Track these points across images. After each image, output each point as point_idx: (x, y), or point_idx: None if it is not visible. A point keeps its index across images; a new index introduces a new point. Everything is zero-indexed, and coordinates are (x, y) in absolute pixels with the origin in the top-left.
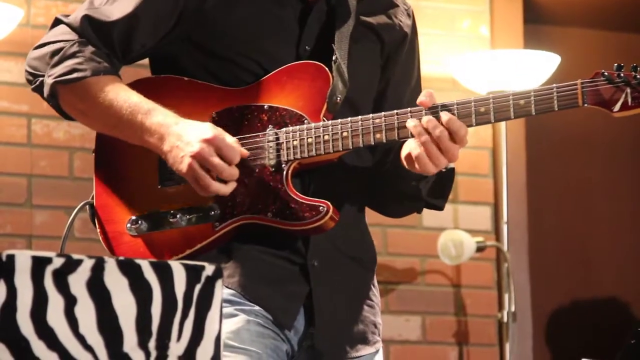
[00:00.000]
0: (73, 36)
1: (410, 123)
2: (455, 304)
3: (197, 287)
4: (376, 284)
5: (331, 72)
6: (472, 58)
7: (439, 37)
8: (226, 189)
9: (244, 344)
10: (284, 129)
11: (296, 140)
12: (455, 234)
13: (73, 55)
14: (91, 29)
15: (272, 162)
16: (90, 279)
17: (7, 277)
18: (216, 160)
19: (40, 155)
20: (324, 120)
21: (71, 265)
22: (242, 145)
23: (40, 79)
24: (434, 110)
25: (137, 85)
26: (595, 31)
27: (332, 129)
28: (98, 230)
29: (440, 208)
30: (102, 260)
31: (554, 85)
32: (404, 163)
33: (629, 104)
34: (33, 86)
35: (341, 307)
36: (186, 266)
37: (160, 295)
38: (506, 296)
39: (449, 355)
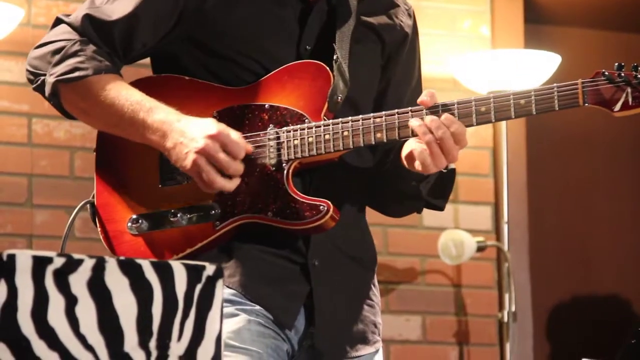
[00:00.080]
0: (74, 35)
1: (415, 123)
2: (456, 303)
3: (198, 287)
4: (376, 283)
5: (332, 71)
6: (473, 58)
7: (439, 37)
8: (231, 185)
9: (245, 343)
10: (284, 128)
11: (297, 139)
12: (455, 233)
13: (75, 54)
14: (92, 28)
15: (273, 161)
16: (91, 279)
17: (7, 276)
18: (222, 155)
19: (40, 154)
20: (324, 120)
21: (72, 265)
22: None
23: (42, 78)
24: (435, 110)
25: (138, 85)
26: (596, 31)
27: (332, 128)
28: (99, 229)
29: (440, 208)
30: (103, 260)
31: (555, 84)
32: (405, 163)
33: (630, 103)
34: (34, 85)
35: (341, 306)
36: (187, 266)
37: (161, 295)
38: (507, 296)
39: (450, 355)
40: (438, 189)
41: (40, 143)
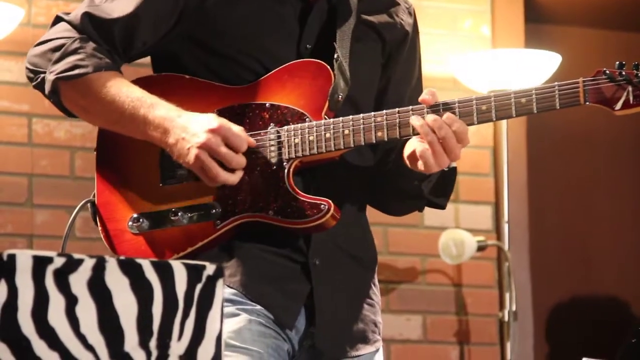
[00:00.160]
0: (74, 33)
1: (417, 122)
2: (456, 303)
3: (198, 287)
4: (377, 283)
5: (333, 70)
6: (474, 57)
7: (440, 36)
8: (234, 178)
9: (246, 343)
10: (285, 127)
11: (298, 138)
12: (456, 233)
13: (74, 52)
14: (92, 26)
15: (274, 160)
16: (91, 279)
17: (8, 276)
18: (224, 149)
19: (41, 154)
20: (325, 119)
21: (72, 264)
22: None
23: (41, 75)
24: (436, 109)
25: (138, 84)
26: (596, 30)
27: (333, 126)
28: (99, 228)
29: (442, 207)
30: (103, 259)
31: (556, 83)
32: (407, 162)
33: (631, 102)
34: (34, 83)
35: (342, 306)
36: (187, 265)
37: (161, 294)
38: (507, 295)
39: (450, 354)
40: (440, 187)
41: (41, 143)
